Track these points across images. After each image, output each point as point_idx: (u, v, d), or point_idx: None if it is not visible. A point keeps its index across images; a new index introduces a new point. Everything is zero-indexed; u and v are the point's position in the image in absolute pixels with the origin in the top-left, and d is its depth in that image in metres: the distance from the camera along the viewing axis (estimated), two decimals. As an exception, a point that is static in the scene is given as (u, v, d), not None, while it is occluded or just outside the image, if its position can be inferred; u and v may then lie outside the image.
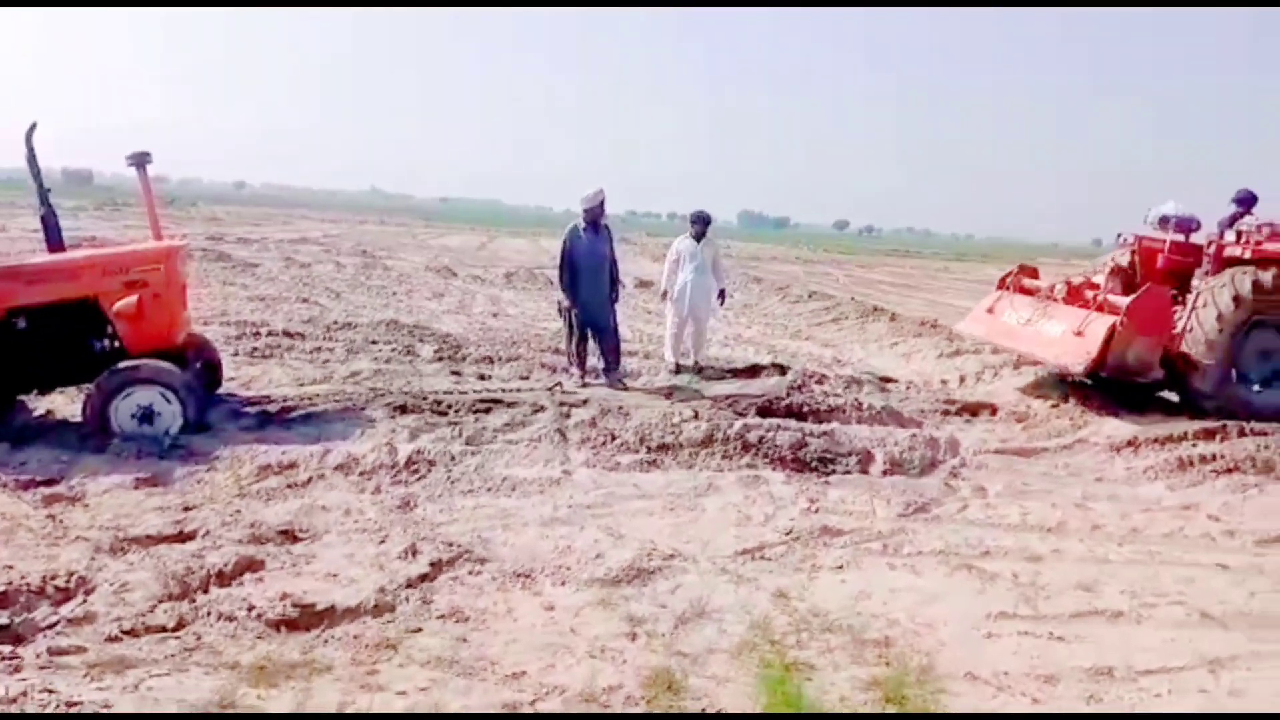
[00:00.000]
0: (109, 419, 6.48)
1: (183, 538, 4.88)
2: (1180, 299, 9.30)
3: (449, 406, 7.68)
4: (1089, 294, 9.51)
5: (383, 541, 4.92)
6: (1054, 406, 9.12)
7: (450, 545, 4.86)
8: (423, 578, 4.50)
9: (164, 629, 3.88)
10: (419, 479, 5.98)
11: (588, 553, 4.91)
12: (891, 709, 3.57)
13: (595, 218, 9.26)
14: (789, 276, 30.00)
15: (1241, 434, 7.88)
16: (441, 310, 15.22)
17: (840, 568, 4.98)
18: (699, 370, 10.19)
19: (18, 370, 6.78)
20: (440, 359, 10.04)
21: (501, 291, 19.23)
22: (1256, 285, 8.78)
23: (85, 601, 4.07)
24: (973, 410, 9.11)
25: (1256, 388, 9.08)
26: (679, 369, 10.31)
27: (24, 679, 3.38)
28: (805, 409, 8.28)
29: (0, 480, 5.55)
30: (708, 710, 3.49)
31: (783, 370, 10.19)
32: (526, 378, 9.25)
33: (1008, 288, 10.70)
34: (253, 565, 4.54)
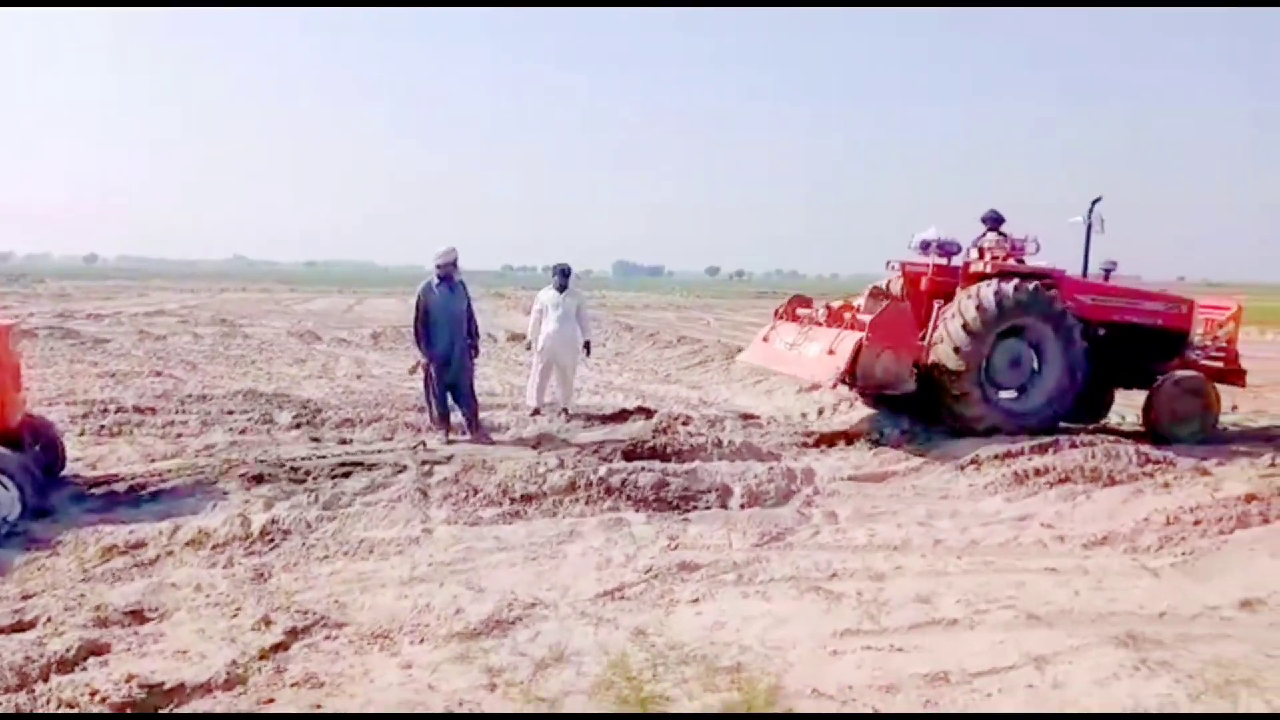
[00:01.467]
0: (-61, 511, 6.16)
1: (22, 627, 4.67)
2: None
3: (306, 473, 7.56)
4: (846, 316, 9.88)
5: (235, 614, 4.83)
6: (904, 432, 9.55)
7: (305, 613, 4.81)
8: (276, 647, 4.43)
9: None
10: (273, 549, 5.88)
11: (447, 609, 4.92)
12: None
13: (448, 274, 9.36)
14: (660, 323, 30.48)
15: (1072, 446, 8.43)
16: (303, 376, 14.91)
17: (696, 600, 5.13)
18: (567, 418, 10.32)
19: None
20: (299, 425, 9.86)
21: (367, 353, 18.96)
22: (999, 295, 9.34)
23: (-88, 703, 3.88)
24: (830, 440, 9.48)
25: (1009, 394, 9.75)
26: (537, 411, 10.63)
27: None
28: (669, 450, 8.49)
29: None
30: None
31: (649, 414, 10.41)
32: (390, 438, 9.18)
33: (781, 317, 11.03)
34: (97, 649, 4.40)
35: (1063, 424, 9.87)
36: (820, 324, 10.09)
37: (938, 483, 7.90)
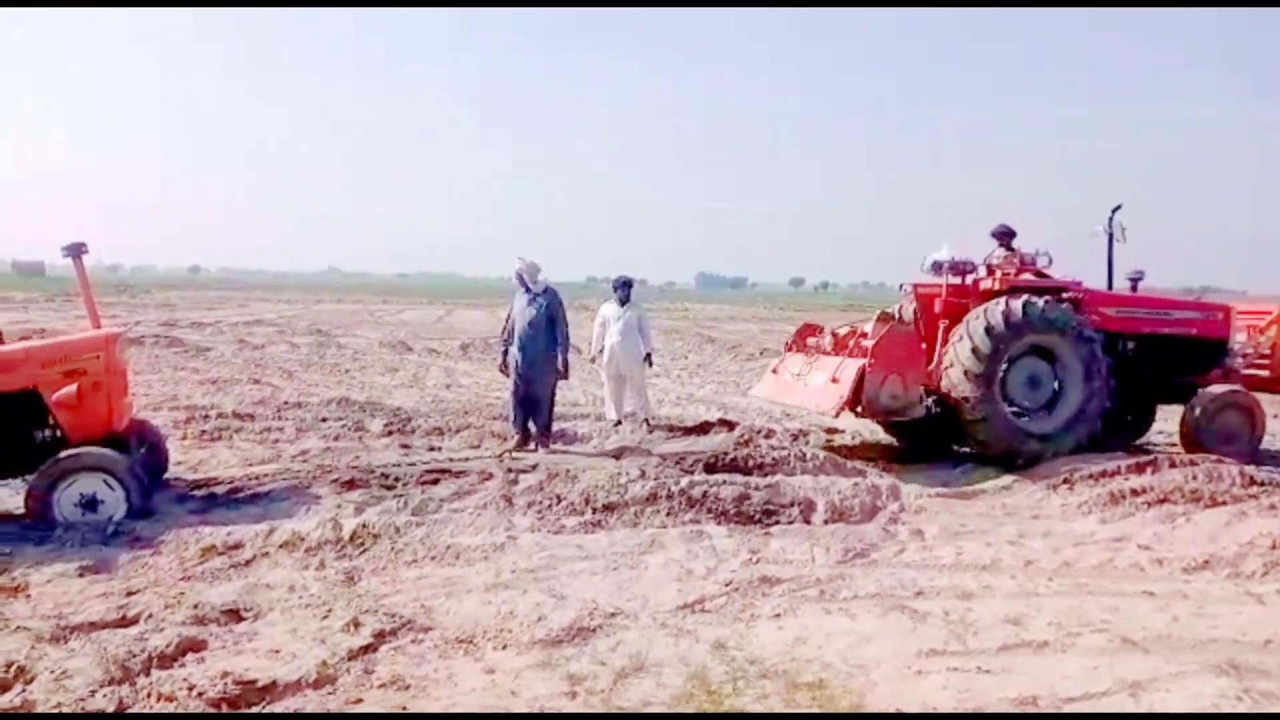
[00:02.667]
0: (52, 509, 6.48)
1: (125, 622, 4.88)
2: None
3: (396, 479, 7.76)
4: (852, 343, 9.52)
5: (326, 616, 4.96)
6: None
7: (393, 616, 4.91)
8: (365, 649, 4.53)
9: (103, 713, 3.90)
10: (363, 552, 6.04)
11: (530, 615, 4.97)
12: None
13: (524, 285, 9.53)
14: (743, 335, 30.38)
15: (1172, 465, 8.13)
16: (394, 385, 15.28)
17: (778, 615, 5.09)
18: (649, 429, 10.37)
19: (-42, 463, 6.77)
20: (390, 433, 10.12)
21: (456, 363, 19.32)
22: (1007, 314, 8.84)
23: (24, 691, 4.06)
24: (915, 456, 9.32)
25: (1028, 416, 9.21)
26: (619, 423, 10.67)
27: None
28: (751, 463, 8.43)
29: (-60, 575, 5.53)
30: None
31: (731, 426, 10.39)
32: (477, 446, 9.37)
33: (790, 348, 10.63)
34: (195, 646, 4.56)
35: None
36: (827, 353, 9.78)
37: (1029, 501, 7.70)
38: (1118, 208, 10.15)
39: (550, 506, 7.03)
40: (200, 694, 4.01)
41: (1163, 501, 7.37)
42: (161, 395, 12.53)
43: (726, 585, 5.49)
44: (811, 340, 10.32)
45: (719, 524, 6.80)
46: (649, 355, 11.03)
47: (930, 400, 9.16)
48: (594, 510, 6.98)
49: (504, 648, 4.62)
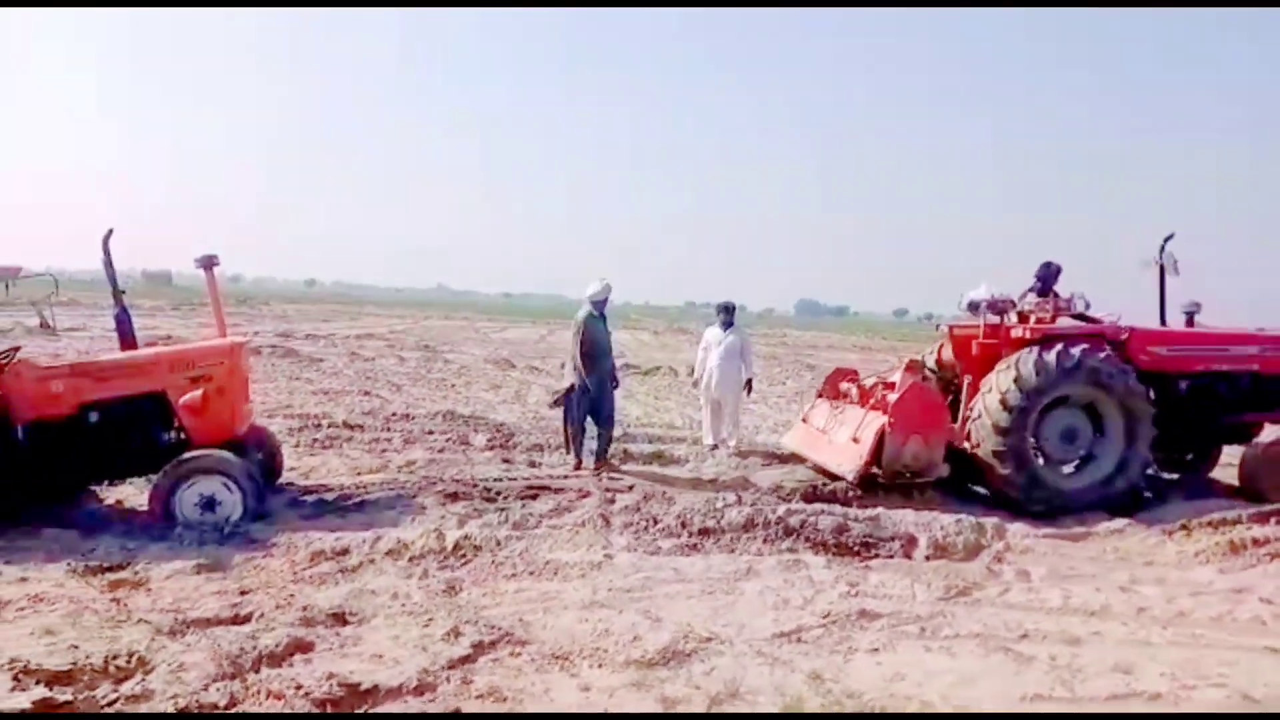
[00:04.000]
0: (173, 507, 6.80)
1: (238, 620, 5.09)
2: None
3: (498, 493, 7.92)
4: (877, 395, 9.04)
5: (427, 624, 5.07)
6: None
7: (492, 628, 5.00)
8: (464, 659, 4.63)
9: (216, 706, 4.05)
10: (465, 564, 6.16)
11: (625, 635, 5.00)
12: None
13: (603, 309, 9.64)
14: (844, 364, 29.94)
15: (1297, 517, 7.72)
16: (498, 401, 15.55)
17: (876, 650, 5.00)
18: (740, 454, 10.31)
19: (89, 461, 7.15)
20: (493, 447, 10.32)
21: (557, 382, 19.52)
22: (1039, 365, 8.30)
23: (144, 680, 4.27)
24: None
25: (1066, 470, 8.66)
26: (715, 447, 10.65)
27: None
28: (850, 493, 8.33)
29: (70, 565, 5.86)
30: None
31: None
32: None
33: (822, 395, 10.20)
34: (303, 646, 4.72)
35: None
36: (854, 403, 9.34)
37: (1141, 547, 7.39)
38: (1169, 237, 9.61)
39: (647, 528, 7.06)
40: (307, 694, 4.15)
41: (1288, 554, 6.99)
42: (277, 403, 13.02)
43: (824, 616, 5.42)
44: (844, 386, 9.89)
45: (816, 554, 6.72)
46: (749, 381, 10.95)
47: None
48: (690, 534, 6.98)
49: (599, 666, 4.65)
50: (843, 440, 8.86)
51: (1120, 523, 7.98)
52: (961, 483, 8.81)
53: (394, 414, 12.39)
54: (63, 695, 4.05)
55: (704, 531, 7.00)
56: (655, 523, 7.12)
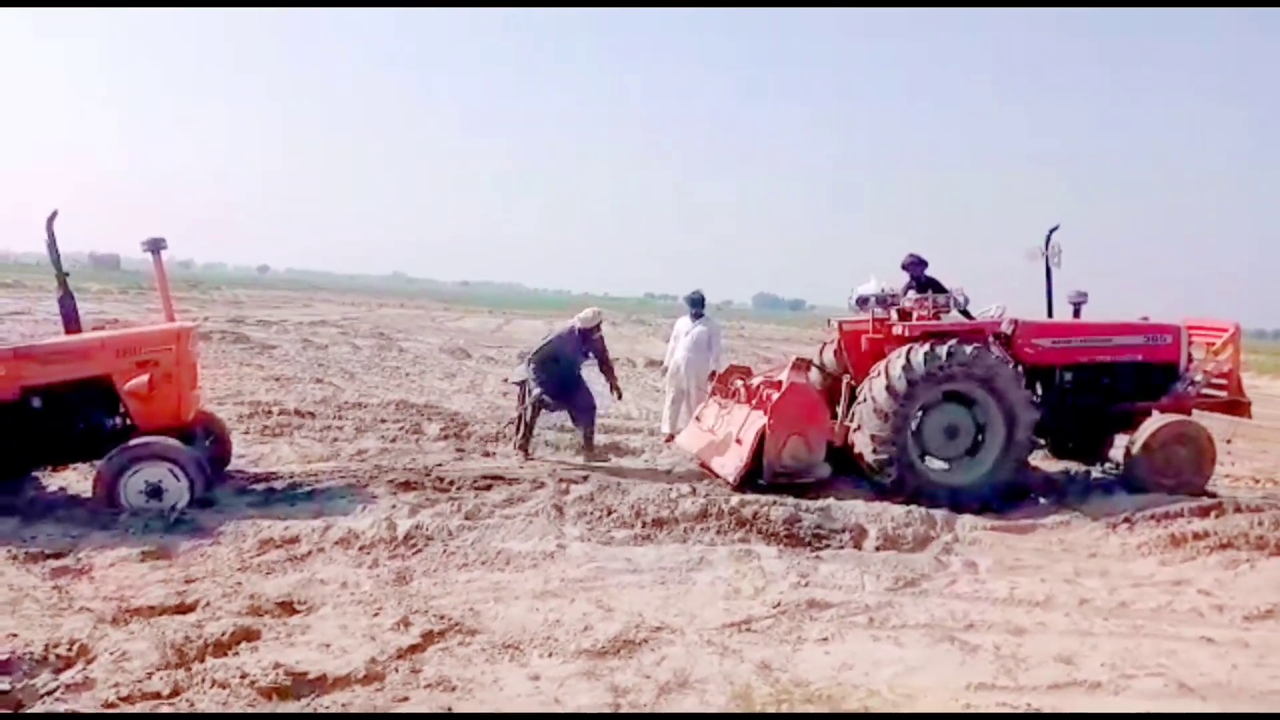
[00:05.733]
0: (118, 494, 6.68)
1: (183, 609, 5.02)
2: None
3: (450, 483, 7.88)
4: (765, 393, 8.83)
5: (376, 614, 5.04)
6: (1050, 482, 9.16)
7: (442, 618, 4.98)
8: (413, 649, 4.60)
9: (159, 695, 3.99)
10: (416, 553, 6.12)
11: (576, 625, 5.01)
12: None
13: (586, 335, 9.61)
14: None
15: (1237, 510, 7.90)
16: (452, 390, 15.45)
17: (825, 640, 5.05)
18: None
19: (32, 446, 7.02)
20: (446, 437, 10.26)
21: (513, 371, 19.49)
22: (907, 367, 8.27)
23: (85, 669, 4.19)
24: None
25: (949, 467, 8.69)
26: (671, 438, 10.63)
27: (21, 742, 3.51)
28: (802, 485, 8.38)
29: (10, 553, 5.74)
30: None
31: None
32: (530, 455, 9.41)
33: (715, 392, 9.96)
34: (250, 635, 4.66)
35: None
36: (742, 402, 9.14)
37: (1087, 539, 7.53)
38: (1054, 228, 9.73)
39: (600, 518, 7.07)
40: (253, 683, 4.10)
41: (1226, 546, 7.13)
42: (226, 390, 12.83)
43: (774, 607, 5.47)
44: (734, 384, 9.63)
45: (768, 544, 6.77)
46: (714, 373, 10.82)
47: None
48: (644, 524, 6.99)
49: (550, 655, 4.65)
50: (727, 440, 8.80)
51: (1065, 515, 8.12)
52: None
53: (346, 402, 12.26)
54: (0, 684, 3.96)
55: (658, 522, 7.02)
56: (609, 513, 7.13)
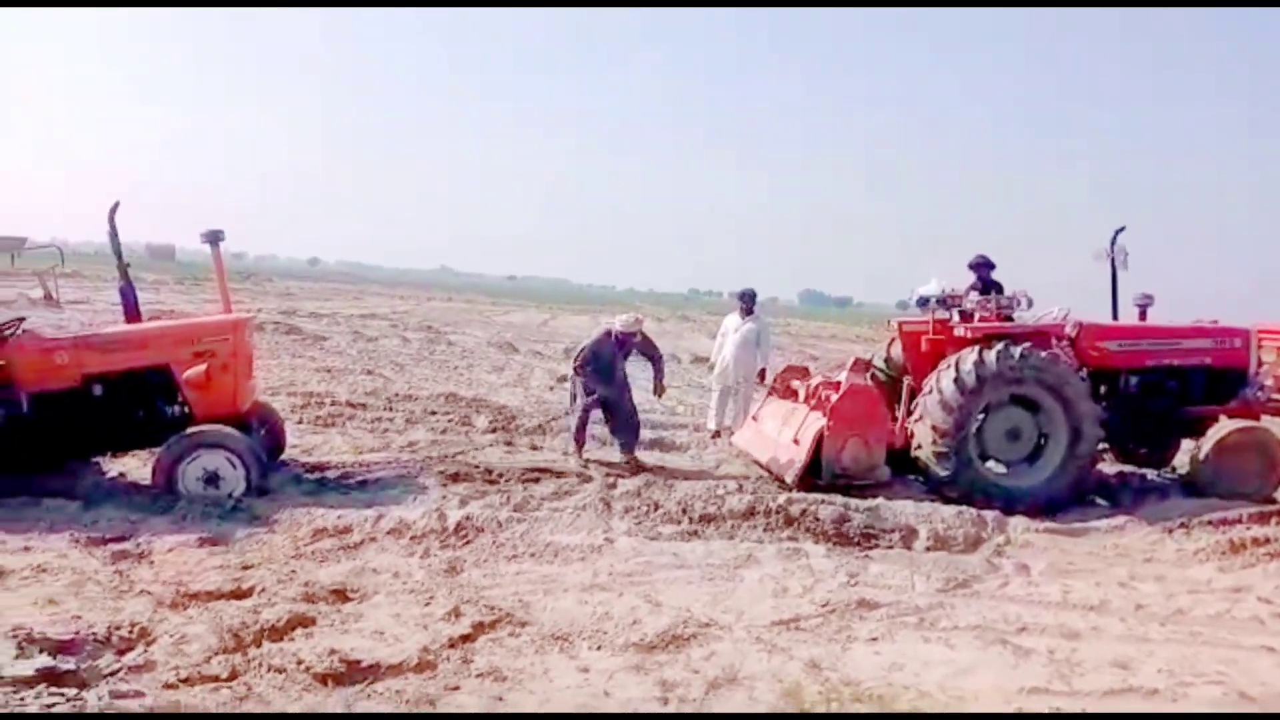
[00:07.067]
0: (176, 481, 6.82)
1: (240, 594, 5.12)
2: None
3: (499, 475, 7.97)
4: (823, 394, 8.71)
5: (428, 603, 5.10)
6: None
7: (492, 608, 5.03)
8: (464, 638, 4.65)
9: (217, 679, 4.07)
10: (466, 544, 6.19)
11: (624, 619, 5.02)
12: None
13: (624, 340, 9.46)
14: (848, 354, 29.94)
15: (1298, 517, 7.72)
16: (500, 384, 15.57)
17: (875, 639, 5.01)
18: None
19: (93, 433, 7.19)
20: (494, 430, 10.35)
21: (559, 366, 19.54)
22: (978, 366, 8.14)
23: (146, 651, 4.29)
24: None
25: (1008, 470, 8.54)
26: (717, 434, 10.62)
27: (86, 720, 3.60)
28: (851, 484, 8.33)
29: (73, 537, 5.89)
30: None
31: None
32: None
33: (773, 392, 9.89)
34: (304, 622, 4.74)
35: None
36: (801, 403, 9.02)
37: (1142, 544, 7.40)
38: (1120, 230, 9.54)
39: (647, 513, 7.08)
40: (308, 668, 4.17)
41: (1287, 554, 7.00)
42: (280, 380, 13.02)
43: (823, 605, 5.44)
44: (794, 384, 9.56)
45: (817, 543, 6.74)
46: (763, 371, 10.76)
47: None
48: (691, 520, 7.00)
49: (598, 648, 4.67)
50: (786, 440, 8.72)
51: (1120, 519, 7.98)
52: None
53: (397, 394, 12.42)
54: (66, 665, 4.07)
55: (705, 518, 7.02)
56: (656, 508, 7.14)
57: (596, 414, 9.34)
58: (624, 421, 9.38)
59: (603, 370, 9.30)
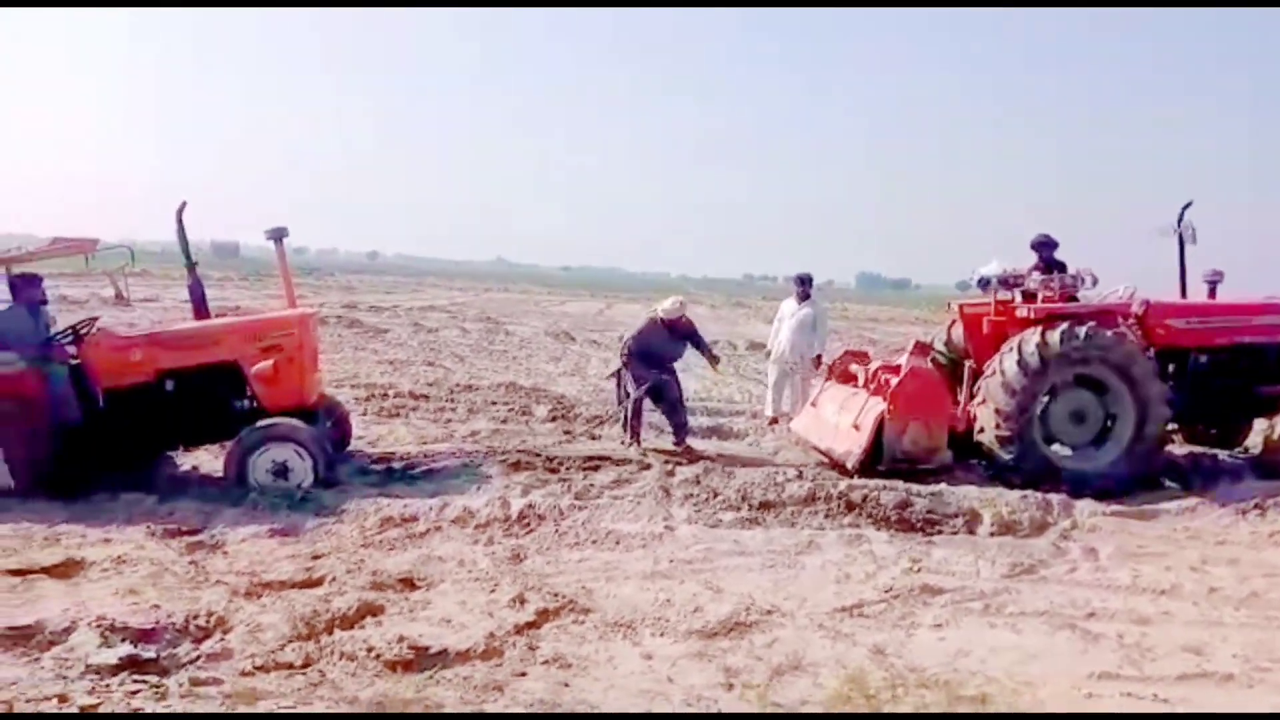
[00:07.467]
0: (247, 473, 7.01)
1: (311, 583, 5.24)
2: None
3: (560, 464, 8.06)
4: (883, 378, 8.60)
5: (493, 591, 5.17)
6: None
7: (556, 595, 5.09)
8: (529, 625, 4.72)
9: (291, 666, 4.19)
10: (529, 532, 6.27)
11: (687, 606, 5.05)
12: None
13: (671, 326, 9.52)
14: (907, 338, 29.61)
15: (1379, 497, 7.48)
16: (558, 373, 15.69)
17: (940, 626, 4.98)
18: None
19: (166, 428, 7.40)
20: (554, 419, 10.46)
21: (616, 355, 19.64)
22: (1042, 346, 7.97)
23: (223, 639, 4.43)
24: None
25: (1073, 453, 8.33)
26: (774, 421, 10.58)
27: (168, 706, 3.72)
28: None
29: (149, 529, 6.09)
30: None
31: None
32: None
33: (830, 377, 9.73)
34: (374, 610, 4.85)
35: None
36: (861, 387, 8.91)
37: (1214, 526, 7.23)
38: (1188, 205, 9.27)
39: (707, 500, 7.08)
40: (378, 656, 4.26)
41: (1369, 536, 6.80)
42: (344, 373, 13.28)
43: (886, 591, 5.41)
44: (852, 369, 9.41)
45: (879, 529, 6.69)
46: (819, 356, 10.63)
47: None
48: (750, 507, 6.98)
49: (662, 635, 4.71)
50: (845, 426, 8.61)
51: (1191, 501, 7.80)
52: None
53: (458, 384, 12.59)
54: (147, 653, 4.21)
55: (764, 505, 7.01)
56: (715, 495, 7.14)
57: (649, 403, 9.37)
58: (671, 406, 9.39)
59: (653, 358, 9.32)
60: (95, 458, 7.08)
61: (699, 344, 9.80)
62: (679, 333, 9.58)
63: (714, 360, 9.94)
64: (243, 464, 7.02)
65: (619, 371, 9.59)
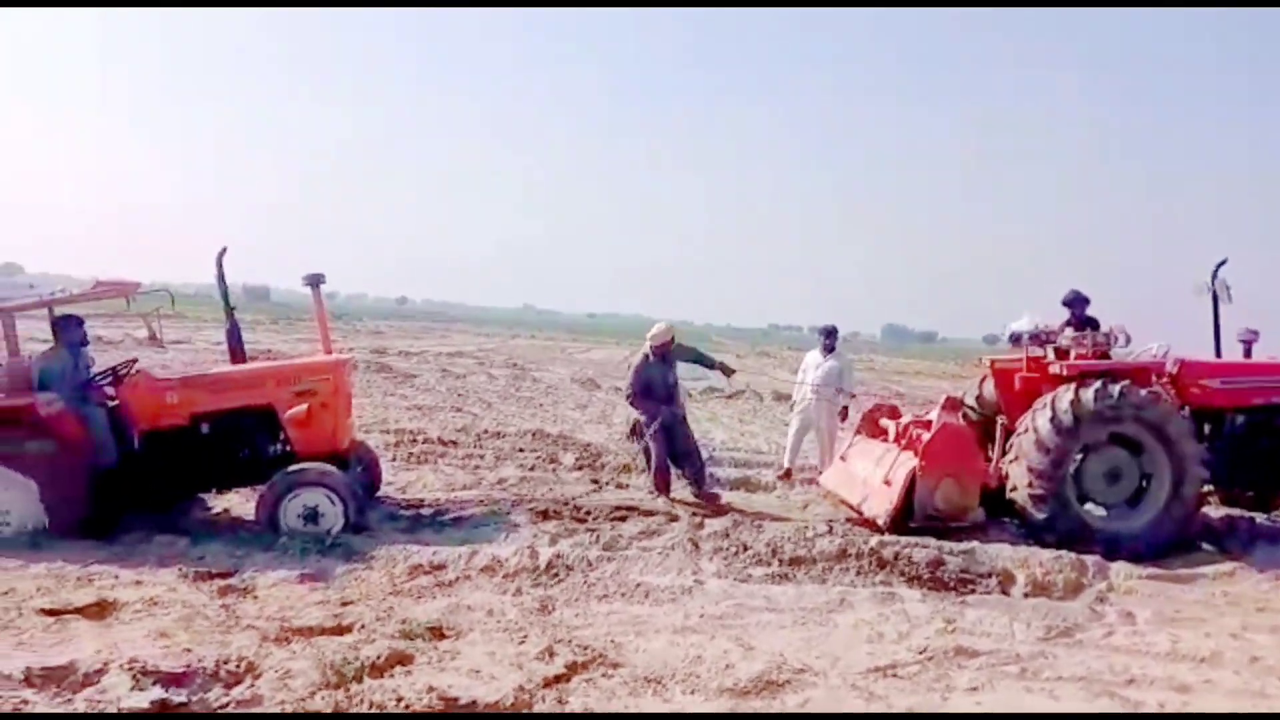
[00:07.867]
0: (278, 518, 7.04)
1: (340, 630, 5.24)
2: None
3: (588, 513, 8.04)
4: (914, 433, 8.43)
5: (522, 642, 5.15)
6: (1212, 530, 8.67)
7: (585, 648, 5.05)
8: (558, 678, 4.68)
9: (320, 715, 4.17)
10: (558, 582, 6.24)
11: (718, 662, 4.99)
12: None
13: (663, 353, 9.50)
14: (934, 392, 29.39)
15: None
16: (584, 420, 15.70)
17: (975, 689, 4.88)
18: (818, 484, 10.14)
19: (199, 470, 7.46)
20: (581, 467, 10.46)
21: (623, 397, 19.67)
22: (1076, 405, 7.82)
23: (253, 685, 4.43)
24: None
25: (1107, 513, 8.15)
26: (788, 473, 10.46)
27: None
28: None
29: (181, 571, 6.12)
30: None
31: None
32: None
33: (860, 431, 9.63)
34: (403, 659, 4.83)
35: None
36: (892, 443, 8.79)
37: (1254, 591, 7.08)
38: (1222, 263, 9.19)
39: (736, 554, 7.01)
40: (408, 706, 4.25)
41: None
42: (373, 418, 13.35)
43: (920, 652, 5.32)
44: (883, 424, 9.30)
45: (911, 588, 6.59)
46: (845, 409, 10.55)
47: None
48: (780, 562, 6.91)
49: (692, 692, 4.65)
50: (876, 481, 8.50)
51: (1229, 566, 7.65)
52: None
53: (485, 431, 12.64)
54: (178, 697, 4.22)
55: (795, 560, 6.93)
56: (745, 549, 7.08)
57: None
58: (683, 447, 9.35)
59: (656, 391, 9.33)
60: (129, 499, 7.15)
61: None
62: (671, 360, 9.58)
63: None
64: (274, 508, 7.05)
65: (635, 424, 9.53)
